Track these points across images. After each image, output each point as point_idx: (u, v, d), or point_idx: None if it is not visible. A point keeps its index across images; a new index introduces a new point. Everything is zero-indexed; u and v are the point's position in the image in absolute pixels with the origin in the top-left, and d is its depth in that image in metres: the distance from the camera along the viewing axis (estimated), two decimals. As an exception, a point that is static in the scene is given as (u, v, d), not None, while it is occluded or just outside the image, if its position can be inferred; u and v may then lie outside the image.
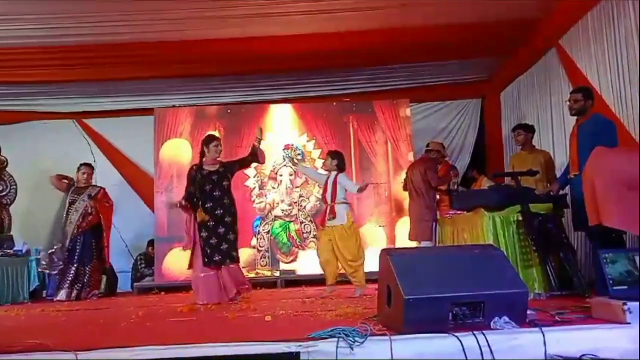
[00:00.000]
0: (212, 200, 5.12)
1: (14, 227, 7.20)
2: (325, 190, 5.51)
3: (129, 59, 6.76)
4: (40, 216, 7.88)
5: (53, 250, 6.51)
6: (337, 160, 5.54)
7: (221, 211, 5.13)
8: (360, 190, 5.56)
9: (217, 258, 5.02)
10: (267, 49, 6.56)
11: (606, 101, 5.17)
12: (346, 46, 6.57)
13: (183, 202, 5.18)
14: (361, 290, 5.21)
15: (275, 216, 7.62)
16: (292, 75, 7.71)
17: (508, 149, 7.94)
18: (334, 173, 5.50)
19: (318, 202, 7.28)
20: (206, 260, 5.02)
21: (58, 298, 6.25)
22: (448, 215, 5.60)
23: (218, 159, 5.30)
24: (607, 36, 5.23)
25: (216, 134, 7.66)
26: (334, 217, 5.32)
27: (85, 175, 6.75)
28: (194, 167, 5.29)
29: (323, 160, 5.48)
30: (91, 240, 6.57)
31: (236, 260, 5.17)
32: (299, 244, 7.56)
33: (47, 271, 6.47)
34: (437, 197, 6.54)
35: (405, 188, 6.68)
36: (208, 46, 6.41)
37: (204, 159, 5.26)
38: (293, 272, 7.35)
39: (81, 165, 6.87)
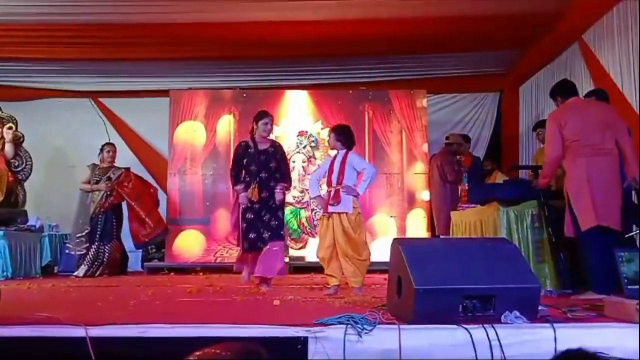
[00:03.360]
0: (259, 181, 4.82)
1: (28, 203, 7.26)
2: (331, 172, 4.61)
3: (146, 40, 6.76)
4: (53, 193, 7.93)
5: (82, 234, 6.53)
6: (344, 136, 4.66)
7: (267, 194, 4.84)
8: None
9: (259, 245, 4.74)
10: (285, 35, 6.52)
11: (628, 99, 5.08)
12: (365, 34, 6.51)
13: (237, 189, 4.90)
14: (360, 289, 4.32)
15: (286, 203, 7.59)
16: (309, 61, 7.65)
17: (524, 143, 7.85)
18: (342, 152, 4.62)
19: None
20: (246, 246, 4.77)
21: (76, 274, 6.31)
22: (461, 208, 5.56)
23: (268, 137, 5.03)
24: (632, 32, 5.12)
25: (232, 117, 7.69)
26: (338, 203, 4.44)
27: (110, 154, 6.77)
28: (241, 144, 5.03)
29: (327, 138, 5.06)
30: (112, 220, 6.62)
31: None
32: (309, 231, 7.56)
33: (74, 252, 6.52)
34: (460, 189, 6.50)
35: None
36: (226, 29, 6.38)
37: (254, 136, 4.97)
38: (302, 258, 7.35)
39: (104, 145, 6.91)
